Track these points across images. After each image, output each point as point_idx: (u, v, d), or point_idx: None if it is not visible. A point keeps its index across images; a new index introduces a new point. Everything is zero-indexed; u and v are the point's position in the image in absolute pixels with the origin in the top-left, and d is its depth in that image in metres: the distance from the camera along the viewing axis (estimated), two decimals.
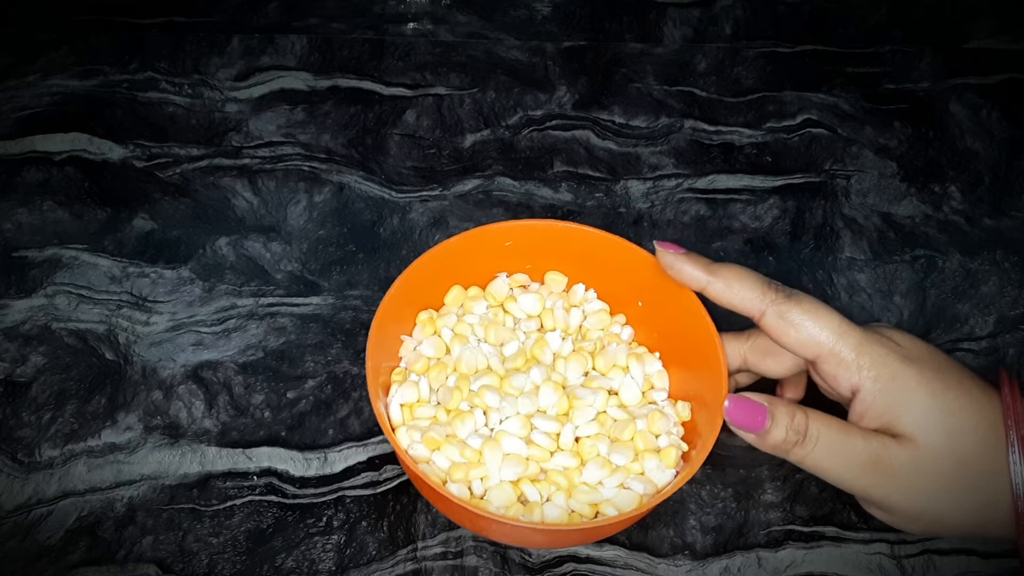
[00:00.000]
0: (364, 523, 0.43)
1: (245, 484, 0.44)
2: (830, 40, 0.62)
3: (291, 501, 0.44)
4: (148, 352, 0.48)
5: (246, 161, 0.55)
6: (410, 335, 0.44)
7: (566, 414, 0.41)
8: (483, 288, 0.46)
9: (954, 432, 0.36)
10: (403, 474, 0.45)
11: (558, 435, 0.40)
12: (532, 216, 0.53)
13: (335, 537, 0.43)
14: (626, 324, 0.45)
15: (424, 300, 0.45)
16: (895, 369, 0.37)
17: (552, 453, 0.40)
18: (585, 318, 0.45)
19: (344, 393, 0.47)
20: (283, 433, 0.46)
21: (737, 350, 0.42)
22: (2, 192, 0.52)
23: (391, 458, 0.45)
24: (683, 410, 0.42)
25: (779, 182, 0.56)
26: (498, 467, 0.39)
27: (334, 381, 0.47)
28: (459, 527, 0.43)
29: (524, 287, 0.46)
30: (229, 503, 0.44)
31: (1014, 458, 0.36)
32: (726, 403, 0.38)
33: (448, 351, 0.43)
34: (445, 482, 0.39)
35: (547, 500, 0.39)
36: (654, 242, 0.41)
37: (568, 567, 0.43)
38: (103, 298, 0.49)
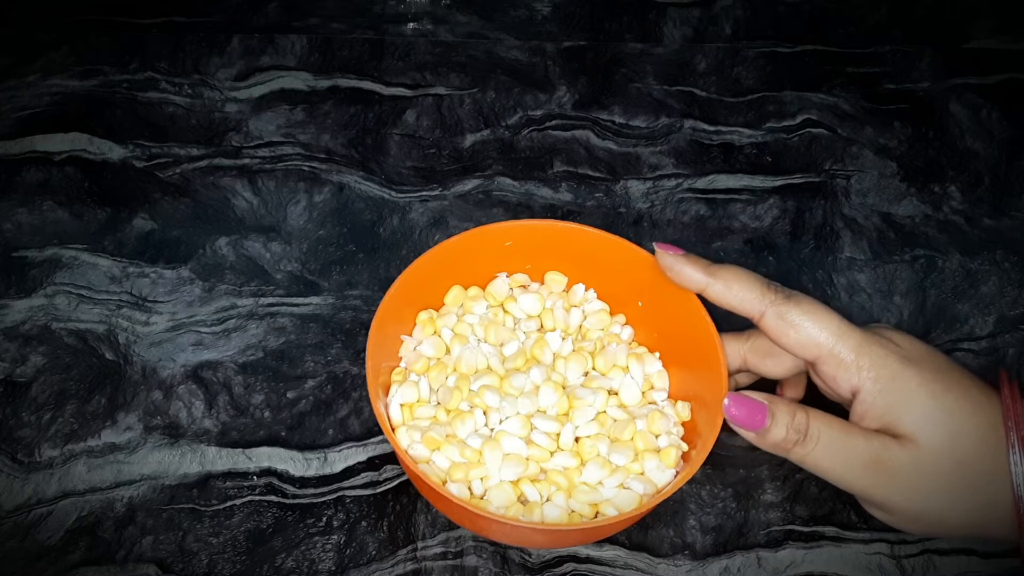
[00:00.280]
0: (364, 523, 0.43)
1: (245, 484, 0.44)
2: (830, 40, 0.62)
3: (291, 501, 0.44)
4: (148, 352, 0.48)
5: (246, 161, 0.55)
6: (410, 335, 0.44)
7: (566, 414, 0.41)
8: (483, 288, 0.46)
9: (955, 433, 0.36)
10: (403, 474, 0.45)
11: (558, 435, 0.40)
12: (532, 216, 0.53)
13: (335, 537, 0.43)
14: (626, 324, 0.45)
15: (424, 300, 0.45)
16: (895, 370, 0.37)
17: (552, 453, 0.40)
18: (585, 318, 0.45)
19: (344, 393, 0.47)
20: (283, 433, 0.46)
21: (737, 350, 0.42)
22: (2, 192, 0.52)
23: (391, 458, 0.45)
24: (683, 410, 0.42)
25: (779, 182, 0.56)
26: (498, 467, 0.39)
27: (334, 381, 0.47)
28: (459, 527, 0.43)
29: (524, 287, 0.46)
30: (229, 503, 0.44)
31: (1014, 459, 0.36)
32: (726, 401, 0.38)
33: (448, 351, 0.43)
34: (445, 482, 0.39)
35: (547, 500, 0.39)
36: (653, 244, 0.41)
37: (568, 567, 0.43)
38: (103, 298, 0.49)
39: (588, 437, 0.40)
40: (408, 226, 0.53)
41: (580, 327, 0.45)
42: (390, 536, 0.43)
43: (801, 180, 0.56)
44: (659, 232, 0.53)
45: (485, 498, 0.38)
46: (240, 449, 0.45)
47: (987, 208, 0.55)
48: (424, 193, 0.54)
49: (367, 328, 0.44)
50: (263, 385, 0.47)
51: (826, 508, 0.45)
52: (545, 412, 0.41)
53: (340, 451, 0.45)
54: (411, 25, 0.61)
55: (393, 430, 0.40)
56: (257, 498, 0.44)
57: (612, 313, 0.46)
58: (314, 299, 0.50)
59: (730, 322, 0.41)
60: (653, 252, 0.41)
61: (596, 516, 0.39)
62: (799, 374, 0.42)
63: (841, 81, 0.60)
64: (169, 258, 0.51)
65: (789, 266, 0.53)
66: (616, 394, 0.43)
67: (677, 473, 0.40)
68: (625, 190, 0.55)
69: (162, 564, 0.42)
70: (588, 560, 0.43)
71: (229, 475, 0.44)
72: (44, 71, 0.57)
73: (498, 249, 0.45)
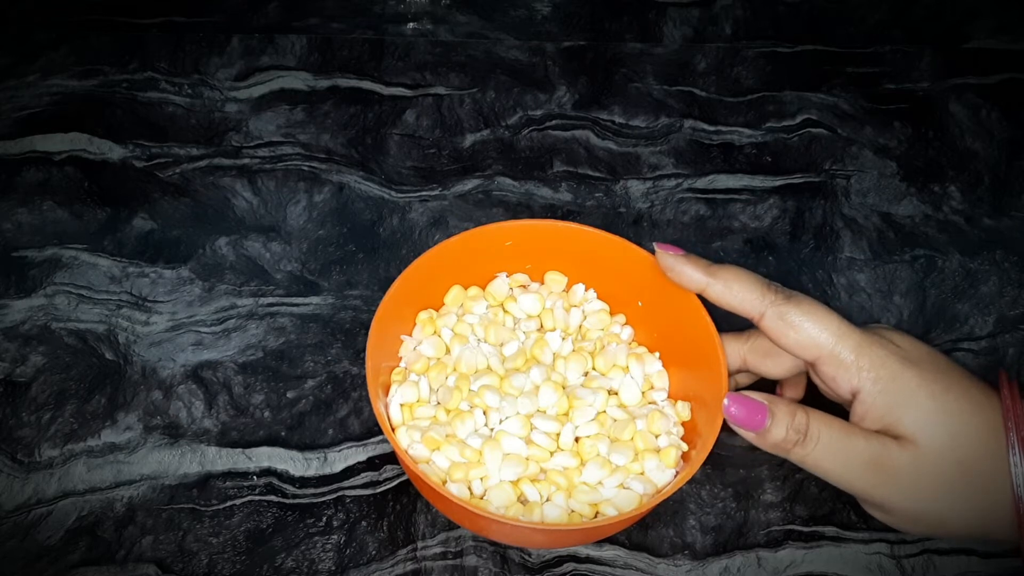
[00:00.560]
0: (364, 523, 0.43)
1: (245, 484, 0.44)
2: (830, 40, 0.62)
3: (291, 501, 0.44)
4: (148, 352, 0.48)
5: (246, 161, 0.55)
6: (410, 335, 0.44)
7: (566, 414, 0.41)
8: (483, 288, 0.46)
9: (955, 434, 0.36)
10: (403, 474, 0.45)
11: (558, 435, 0.40)
12: (532, 216, 0.53)
13: (335, 537, 0.43)
14: (626, 324, 0.45)
15: (424, 300, 0.45)
16: (895, 371, 0.37)
17: (552, 453, 0.40)
18: (585, 318, 0.45)
19: (344, 393, 0.47)
20: (283, 433, 0.46)
21: (737, 350, 0.42)
22: (2, 192, 0.52)
23: (391, 458, 0.45)
24: (683, 410, 0.42)
25: (779, 182, 0.56)
26: (498, 467, 0.39)
27: (334, 381, 0.47)
28: (459, 527, 0.43)
29: (524, 287, 0.46)
30: (229, 503, 0.44)
31: (1014, 459, 0.36)
32: (726, 401, 0.38)
33: (448, 351, 0.43)
34: (445, 482, 0.39)
35: (547, 500, 0.39)
36: (653, 244, 0.41)
37: (568, 567, 0.43)
38: (103, 298, 0.49)
39: (588, 437, 0.40)
40: (408, 226, 0.53)
41: (580, 327, 0.45)
42: (390, 536, 0.43)
43: (801, 180, 0.56)
44: (659, 232, 0.53)
45: (485, 498, 0.38)
46: (240, 449, 0.45)
47: (987, 208, 0.55)
48: (424, 193, 0.54)
49: (367, 328, 0.44)
50: (263, 385, 0.47)
51: (826, 508, 0.45)
52: (545, 412, 0.41)
53: (340, 451, 0.45)
54: (411, 25, 0.61)
55: (393, 430, 0.40)
56: (257, 498, 0.44)
57: (612, 313, 0.46)
58: (314, 299, 0.50)
59: (730, 322, 0.41)
60: (653, 252, 0.41)
61: (596, 516, 0.39)
62: (799, 374, 0.42)
63: (841, 81, 0.60)
64: (169, 258, 0.51)
65: (789, 266, 0.53)
66: (616, 394, 0.43)
67: (677, 473, 0.40)
68: (625, 190, 0.55)
69: (162, 564, 0.42)
70: (588, 560, 0.43)
71: (229, 475, 0.44)
72: (44, 71, 0.57)
73: (498, 249, 0.45)
